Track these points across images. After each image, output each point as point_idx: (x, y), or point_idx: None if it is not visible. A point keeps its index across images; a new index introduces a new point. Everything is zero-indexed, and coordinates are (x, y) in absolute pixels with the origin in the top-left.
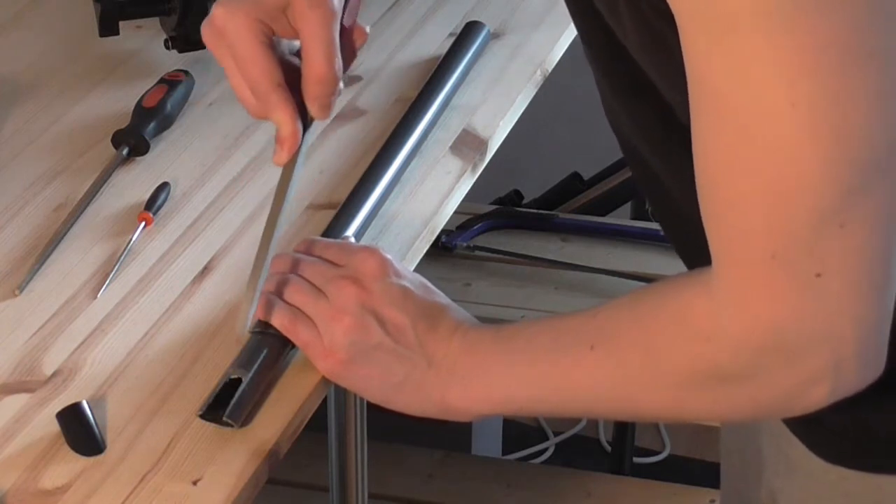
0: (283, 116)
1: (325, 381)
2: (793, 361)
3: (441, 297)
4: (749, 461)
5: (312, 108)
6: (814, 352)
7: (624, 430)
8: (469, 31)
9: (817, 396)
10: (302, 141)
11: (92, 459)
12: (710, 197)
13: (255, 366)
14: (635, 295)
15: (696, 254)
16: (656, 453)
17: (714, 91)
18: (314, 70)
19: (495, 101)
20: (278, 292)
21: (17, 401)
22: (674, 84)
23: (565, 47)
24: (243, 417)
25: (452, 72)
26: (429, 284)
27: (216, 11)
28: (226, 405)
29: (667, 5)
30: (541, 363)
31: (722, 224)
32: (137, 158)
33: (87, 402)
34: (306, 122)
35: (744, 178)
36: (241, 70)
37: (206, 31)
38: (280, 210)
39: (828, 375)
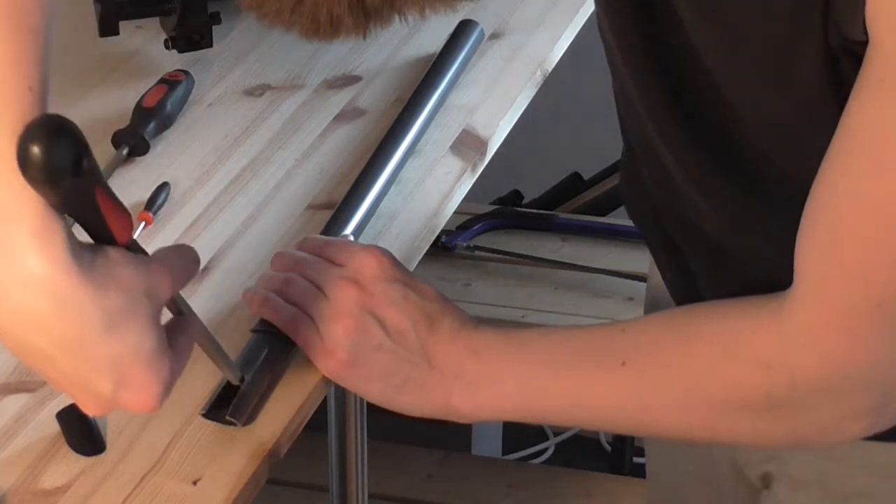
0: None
1: (325, 381)
2: (842, 399)
3: (442, 299)
4: (698, 468)
5: None
6: (865, 393)
7: None
8: (462, 30)
9: (854, 431)
10: None
11: (92, 459)
12: (826, 231)
13: (257, 364)
14: (671, 316)
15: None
16: None
17: (892, 144)
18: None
19: (495, 101)
20: (279, 291)
21: (17, 401)
22: (799, 122)
23: (565, 47)
24: (246, 416)
25: (446, 71)
26: (429, 285)
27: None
28: (228, 404)
29: (860, 46)
30: (562, 375)
31: (831, 260)
32: (137, 158)
33: None
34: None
35: (882, 228)
36: None
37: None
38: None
39: (870, 413)
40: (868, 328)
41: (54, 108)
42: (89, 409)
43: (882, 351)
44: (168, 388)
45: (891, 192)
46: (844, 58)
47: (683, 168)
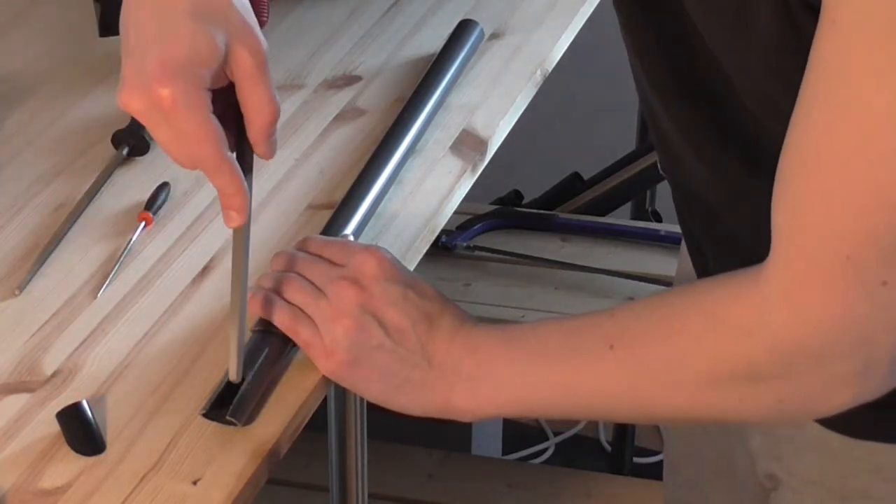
0: (235, 184)
1: (325, 381)
2: (825, 363)
3: (442, 298)
4: (717, 458)
5: (261, 151)
6: (848, 355)
7: (624, 430)
8: (462, 30)
9: (842, 399)
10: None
11: (92, 459)
12: (796, 187)
13: (257, 364)
14: (657, 297)
15: (712, 243)
16: (656, 453)
17: (848, 88)
18: (263, 118)
19: (495, 101)
20: (279, 291)
21: (17, 401)
22: (774, 76)
23: (565, 47)
24: (246, 416)
25: (446, 71)
26: (429, 285)
27: (160, 91)
28: (228, 404)
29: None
30: (554, 365)
31: (801, 216)
32: (137, 158)
33: (87, 402)
34: (244, 167)
35: (846, 179)
36: (187, 145)
37: (141, 105)
38: (245, 265)
39: (856, 379)
40: (840, 282)
41: (54, 108)
42: (131, 95)
43: (858, 305)
44: (189, 108)
45: (847, 139)
46: (799, 6)
47: (685, 135)
